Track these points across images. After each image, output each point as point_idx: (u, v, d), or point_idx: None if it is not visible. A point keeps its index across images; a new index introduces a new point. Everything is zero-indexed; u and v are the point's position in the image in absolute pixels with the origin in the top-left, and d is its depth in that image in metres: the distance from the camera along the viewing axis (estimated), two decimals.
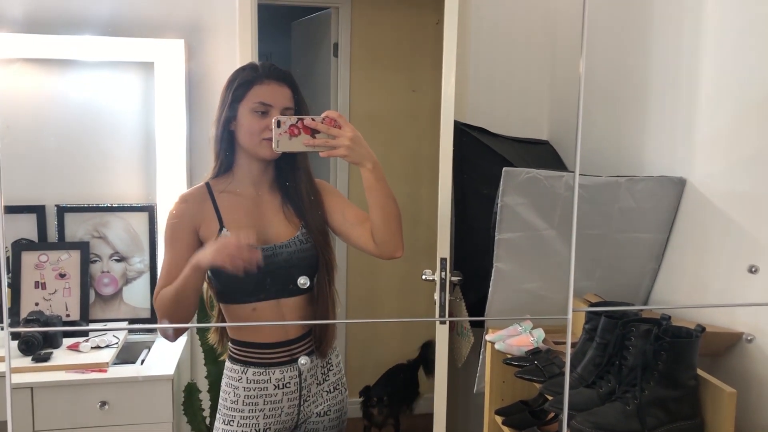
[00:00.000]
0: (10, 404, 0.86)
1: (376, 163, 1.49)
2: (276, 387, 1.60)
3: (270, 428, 1.61)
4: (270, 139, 1.47)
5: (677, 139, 1.94)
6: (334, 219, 1.64)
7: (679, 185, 1.90)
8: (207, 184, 1.61)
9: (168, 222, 1.58)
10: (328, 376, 1.68)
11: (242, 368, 1.61)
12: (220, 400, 1.64)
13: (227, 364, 1.64)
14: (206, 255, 1.44)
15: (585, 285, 2.03)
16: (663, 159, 2.00)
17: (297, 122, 1.43)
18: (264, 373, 1.60)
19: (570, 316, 0.94)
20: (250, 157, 1.58)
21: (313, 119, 1.43)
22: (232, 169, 1.61)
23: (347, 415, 1.74)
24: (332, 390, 1.69)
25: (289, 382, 1.61)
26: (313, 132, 1.43)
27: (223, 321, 1.65)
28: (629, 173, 2.05)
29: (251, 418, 1.60)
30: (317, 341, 1.65)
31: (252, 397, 1.60)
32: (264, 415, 1.60)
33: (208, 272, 1.58)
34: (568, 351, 0.89)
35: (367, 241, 1.58)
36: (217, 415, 1.65)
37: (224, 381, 1.64)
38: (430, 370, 3.15)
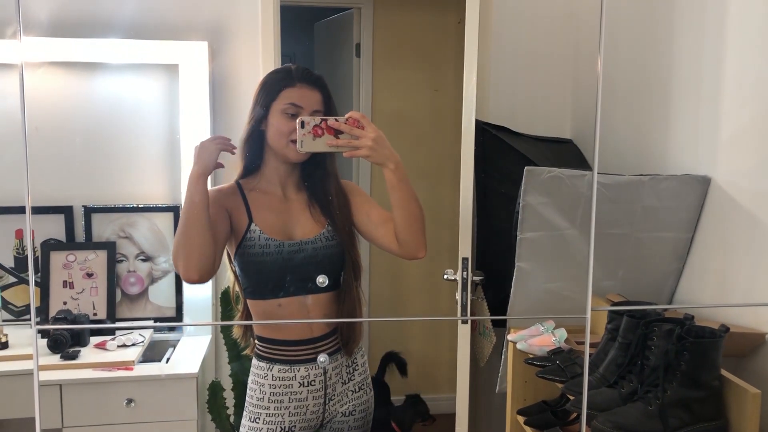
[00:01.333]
0: (38, 400, 0.88)
1: (399, 164, 1.49)
2: (301, 384, 1.62)
3: (295, 426, 1.62)
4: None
5: (701, 137, 1.92)
6: (359, 219, 1.66)
7: (703, 184, 1.88)
8: (237, 183, 1.65)
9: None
10: (354, 375, 1.69)
11: (268, 365, 1.62)
12: (247, 398, 1.66)
13: (254, 361, 1.66)
14: (194, 166, 1.51)
15: (607, 285, 2.02)
16: (687, 157, 1.98)
17: (321, 123, 1.44)
18: (289, 371, 1.61)
19: (589, 315, 0.94)
20: (277, 158, 1.61)
21: (336, 120, 1.44)
22: (261, 168, 1.63)
23: (372, 415, 1.75)
24: (357, 390, 1.70)
25: (314, 380, 1.63)
26: (337, 132, 1.44)
27: (248, 317, 1.67)
28: (653, 172, 2.04)
29: (277, 415, 1.62)
30: (344, 340, 1.67)
31: (277, 394, 1.61)
32: (290, 413, 1.62)
33: (236, 267, 1.61)
34: (587, 349, 0.89)
35: (391, 241, 1.59)
36: (244, 413, 1.66)
37: (250, 378, 1.66)
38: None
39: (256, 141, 1.60)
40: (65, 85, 2.39)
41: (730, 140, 1.80)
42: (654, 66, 2.17)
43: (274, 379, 1.62)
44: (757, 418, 1.38)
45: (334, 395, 1.66)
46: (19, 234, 2.38)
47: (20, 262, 2.39)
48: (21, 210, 2.34)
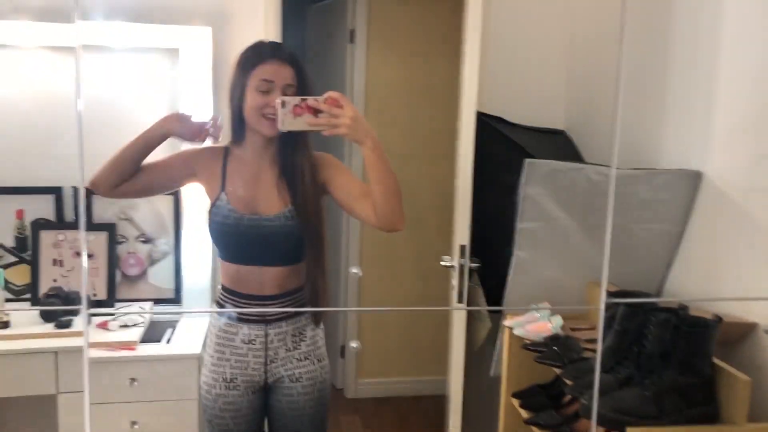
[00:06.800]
0: (87, 375, 0.93)
1: (376, 141, 1.54)
2: (243, 341, 1.72)
3: (237, 378, 1.72)
4: (269, 117, 1.60)
5: (694, 132, 1.99)
6: (338, 192, 1.70)
7: (695, 178, 1.95)
8: (226, 147, 1.75)
9: (188, 150, 1.77)
10: (300, 345, 1.76)
11: (218, 316, 1.75)
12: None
13: (213, 306, 1.76)
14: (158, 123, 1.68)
15: (600, 273, 2.09)
16: (680, 152, 2.05)
17: (300, 102, 1.51)
18: (233, 327, 1.73)
19: (603, 306, 1.00)
20: (253, 132, 1.68)
21: (315, 99, 1.51)
22: (244, 142, 1.72)
23: (328, 386, 1.80)
24: (303, 359, 1.76)
25: (255, 340, 1.72)
26: (316, 111, 1.50)
27: None
28: (646, 165, 2.10)
29: (219, 366, 1.73)
30: (312, 312, 1.77)
31: (221, 345, 1.73)
32: (230, 365, 1.72)
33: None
34: (600, 342, 0.95)
35: (369, 214, 1.63)
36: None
37: (208, 321, 1.80)
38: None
39: (237, 117, 1.69)
40: (64, 69, 2.38)
41: (723, 136, 1.86)
42: (649, 61, 2.23)
43: (220, 330, 1.74)
44: (746, 403, 1.46)
45: (276, 358, 1.73)
46: (20, 214, 2.38)
47: (20, 241, 2.39)
48: (17, 191, 2.36)
